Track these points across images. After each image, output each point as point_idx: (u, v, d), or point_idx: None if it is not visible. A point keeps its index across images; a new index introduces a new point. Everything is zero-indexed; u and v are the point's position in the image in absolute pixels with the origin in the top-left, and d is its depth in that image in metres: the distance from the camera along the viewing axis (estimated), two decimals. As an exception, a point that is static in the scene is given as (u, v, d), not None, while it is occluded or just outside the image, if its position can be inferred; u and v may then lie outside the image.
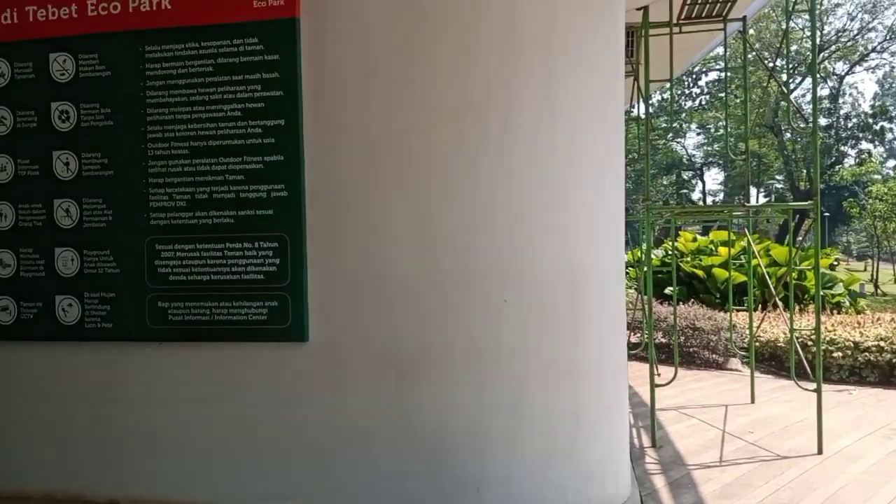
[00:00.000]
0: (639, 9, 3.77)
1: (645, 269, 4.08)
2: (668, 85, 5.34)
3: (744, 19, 4.70)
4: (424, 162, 2.70)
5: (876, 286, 18.96)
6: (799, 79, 24.76)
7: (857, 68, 29.07)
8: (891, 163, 30.89)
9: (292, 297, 2.76)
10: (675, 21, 4.25)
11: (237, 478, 2.84)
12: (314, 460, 2.78)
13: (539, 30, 2.66)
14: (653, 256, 6.86)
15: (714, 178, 35.90)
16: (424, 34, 2.69)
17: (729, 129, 9.64)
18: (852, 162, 28.31)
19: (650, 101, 4.42)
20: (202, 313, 2.83)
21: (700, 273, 9.43)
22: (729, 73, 7.04)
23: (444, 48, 2.68)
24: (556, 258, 2.70)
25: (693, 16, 4.40)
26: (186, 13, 2.80)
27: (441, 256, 2.68)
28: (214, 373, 2.86)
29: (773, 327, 6.49)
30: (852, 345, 5.67)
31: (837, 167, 27.39)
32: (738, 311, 6.49)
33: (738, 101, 14.36)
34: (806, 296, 8.50)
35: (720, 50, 6.37)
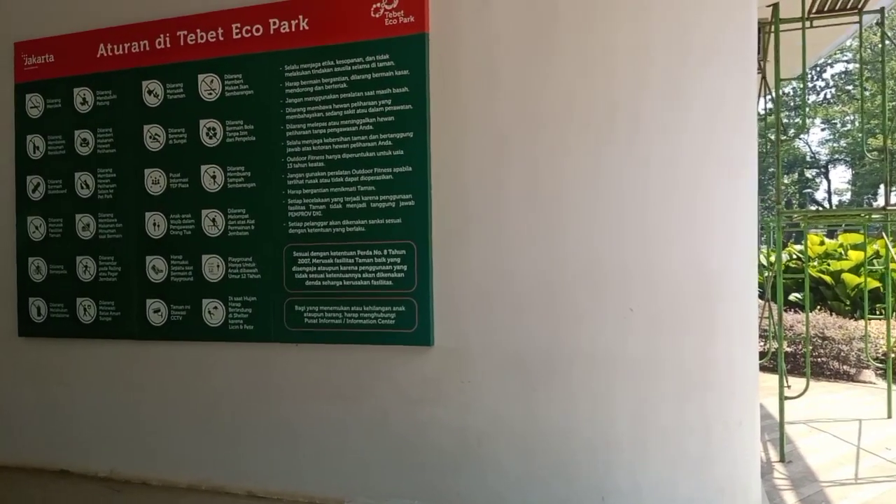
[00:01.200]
0: (769, 5, 3.67)
1: (775, 275, 3.95)
2: (791, 80, 5.13)
3: (882, 11, 4.45)
4: (551, 170, 2.78)
5: None
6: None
7: None
8: None
9: (419, 302, 2.90)
10: (806, 15, 4.09)
11: (366, 477, 3.02)
12: (440, 463, 2.91)
13: (670, 32, 2.68)
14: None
15: (840, 176, 33.63)
16: (552, 44, 2.77)
17: (860, 125, 9.05)
18: None
19: (773, 97, 4.29)
20: (335, 317, 3.02)
21: (828, 279, 8.93)
22: (860, 65, 6.65)
23: (572, 56, 2.75)
24: (685, 265, 2.70)
25: (826, 9, 4.22)
26: (323, 33, 3.01)
27: (567, 263, 2.75)
28: (346, 374, 3.05)
29: (915, 339, 6.07)
30: None
31: None
32: (872, 319, 6.11)
33: (868, 93, 13.44)
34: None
35: (848, 42, 6.04)
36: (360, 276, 3.01)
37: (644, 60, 2.71)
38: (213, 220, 3.22)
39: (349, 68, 3.00)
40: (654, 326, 2.71)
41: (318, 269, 3.07)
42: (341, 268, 3.05)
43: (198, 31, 3.23)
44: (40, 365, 3.63)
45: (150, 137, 3.33)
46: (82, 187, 3.48)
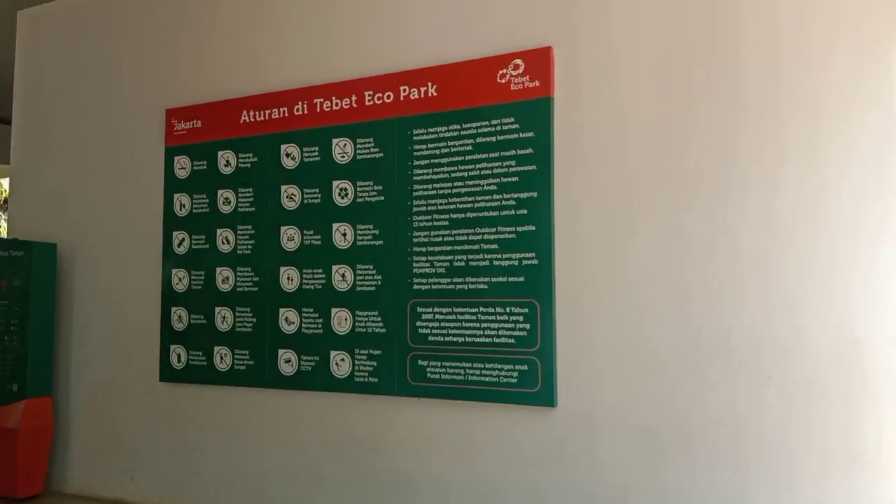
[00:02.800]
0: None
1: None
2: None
3: None
4: (681, 235, 2.80)
5: None
6: None
7: None
8: None
9: (542, 361, 2.95)
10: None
11: (486, 535, 3.04)
12: (563, 526, 2.90)
13: (805, 91, 2.65)
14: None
15: None
16: (681, 109, 2.83)
17: None
18: None
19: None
20: (457, 372, 3.12)
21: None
22: None
23: (701, 120, 2.80)
24: (827, 332, 2.62)
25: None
26: (450, 99, 3.20)
27: (701, 330, 2.74)
28: (467, 430, 3.12)
29: None
30: None
31: None
32: None
33: None
34: None
35: None
36: (482, 332, 3.10)
37: (780, 126, 2.69)
38: (343, 276, 3.43)
39: (475, 131, 3.16)
40: (793, 398, 2.63)
41: (441, 324, 3.19)
42: (464, 324, 3.15)
43: (333, 98, 3.51)
44: (178, 409, 3.93)
45: (287, 197, 3.61)
46: (223, 243, 3.80)
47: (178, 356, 3.93)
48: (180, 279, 3.96)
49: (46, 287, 4.27)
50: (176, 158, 4.03)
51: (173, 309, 3.97)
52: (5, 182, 17.28)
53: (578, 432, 2.95)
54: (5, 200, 18.09)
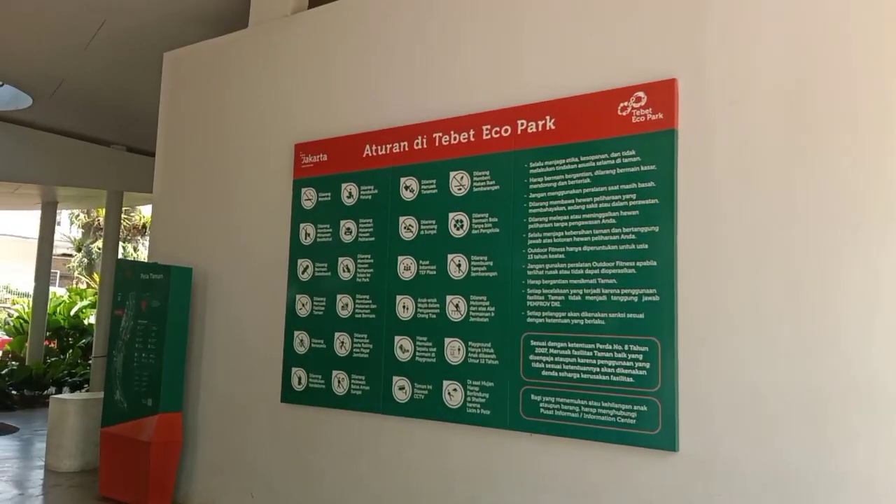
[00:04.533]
0: None
1: None
2: None
3: None
4: (817, 272, 2.67)
5: None
6: None
7: None
8: None
9: (662, 402, 2.86)
10: None
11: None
12: (684, 578, 2.76)
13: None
14: None
15: None
16: (816, 139, 2.69)
17: None
18: None
19: None
20: (572, 410, 3.07)
21: None
22: None
23: (828, 154, 2.64)
24: None
25: None
26: (568, 132, 3.22)
27: (837, 375, 2.58)
28: (582, 470, 3.06)
29: None
30: None
31: None
32: None
33: None
34: None
35: None
36: (598, 370, 3.04)
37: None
38: (457, 306, 3.48)
39: (593, 164, 3.15)
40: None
41: (556, 359, 3.16)
42: (579, 360, 3.11)
43: (451, 132, 3.61)
44: (297, 430, 4.10)
45: (405, 228, 3.73)
46: (344, 271, 3.96)
47: (299, 378, 4.11)
48: (303, 304, 4.16)
49: (181, 308, 4.61)
50: (303, 190, 4.27)
51: (296, 333, 4.17)
52: (145, 209, 18.88)
53: (700, 480, 2.82)
54: (144, 226, 19.75)
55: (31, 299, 11.83)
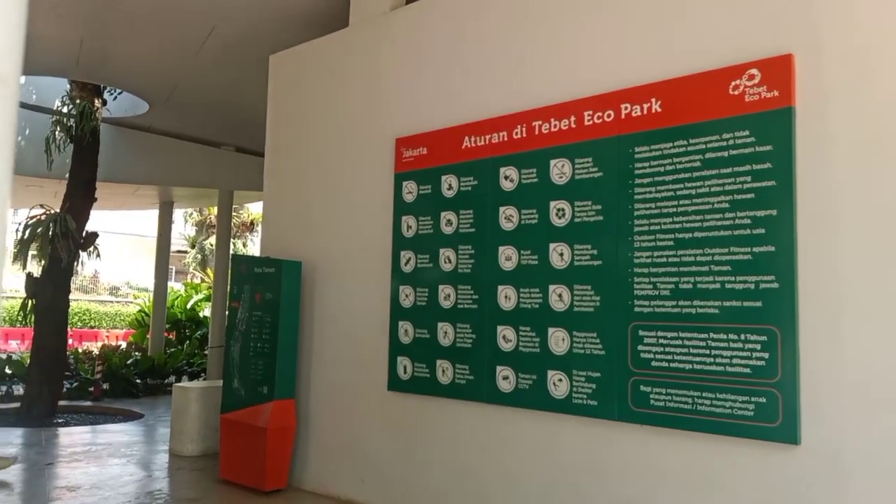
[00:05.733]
0: None
1: None
2: None
3: None
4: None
5: None
6: None
7: None
8: None
9: (783, 394, 2.74)
10: None
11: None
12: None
13: None
14: None
15: None
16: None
17: None
18: None
19: None
20: (684, 401, 2.99)
21: None
22: None
23: None
24: None
25: None
26: (675, 114, 3.11)
27: None
28: (696, 463, 2.97)
29: None
30: None
31: None
32: None
33: None
34: None
35: None
36: (712, 360, 2.94)
37: None
38: (560, 296, 3.45)
39: (703, 147, 3.04)
40: None
41: (666, 349, 3.08)
42: (691, 350, 3.02)
43: (552, 120, 3.58)
44: (403, 418, 4.20)
45: (505, 218, 3.73)
46: (445, 262, 4.01)
47: (405, 367, 4.20)
48: (406, 295, 4.25)
49: (292, 300, 4.82)
50: (404, 183, 4.36)
51: (400, 323, 4.27)
52: (252, 207, 19.83)
53: (823, 474, 2.68)
54: (252, 223, 20.76)
55: (151, 294, 12.70)
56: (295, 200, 5.24)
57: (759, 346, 2.84)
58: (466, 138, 4.03)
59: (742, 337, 2.89)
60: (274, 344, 4.75)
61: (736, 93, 2.98)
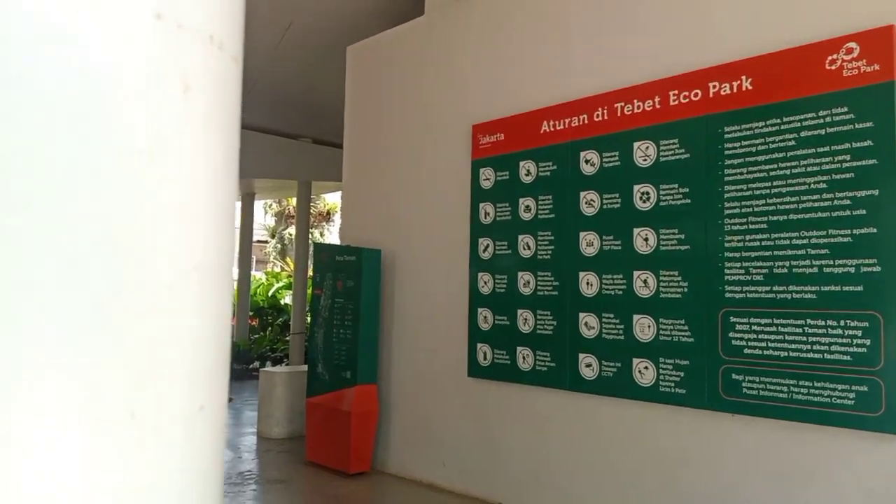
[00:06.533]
0: None
1: None
2: None
3: None
4: None
5: None
6: None
7: None
8: None
9: (885, 382, 2.64)
10: None
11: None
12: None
13: None
14: None
15: None
16: None
17: None
18: None
19: None
20: (779, 390, 2.90)
21: None
22: None
23: None
24: None
25: None
26: (767, 92, 3.00)
27: None
28: (793, 453, 2.89)
29: None
30: None
31: None
32: None
33: None
34: None
35: None
36: (809, 347, 2.84)
37: None
38: (645, 282, 3.40)
39: (798, 125, 2.92)
40: None
41: (759, 336, 2.99)
42: (786, 337, 2.92)
43: (635, 101, 3.51)
44: (484, 404, 4.24)
45: (586, 203, 3.69)
46: (524, 248, 4.01)
47: (484, 354, 4.24)
48: (485, 282, 4.27)
49: (373, 287, 4.93)
50: (481, 170, 4.37)
51: (479, 310, 4.30)
52: (329, 197, 20.30)
53: (938, 469, 2.54)
54: (328, 212, 21.25)
55: (235, 282, 13.21)
56: (373, 189, 5.34)
57: (860, 333, 2.72)
58: (545, 122, 4.00)
59: (842, 323, 2.77)
60: (356, 330, 4.87)
61: (833, 67, 2.84)
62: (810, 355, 2.85)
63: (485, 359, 4.24)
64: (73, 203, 0.42)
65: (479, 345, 4.30)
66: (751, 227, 3.06)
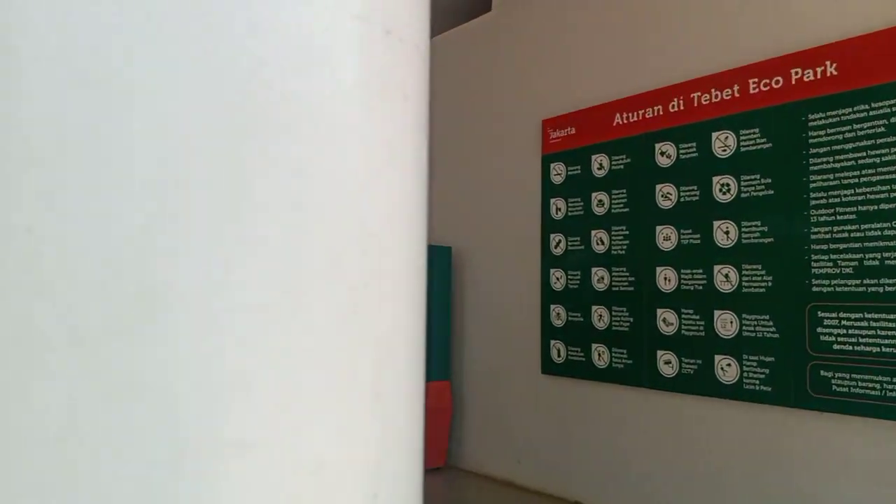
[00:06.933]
0: None
1: None
2: None
3: None
4: None
5: None
6: None
7: None
8: None
9: None
10: None
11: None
12: None
13: None
14: None
15: None
16: None
17: None
18: None
19: None
20: (872, 387, 2.79)
21: None
22: None
23: None
24: None
25: None
26: (855, 77, 2.88)
27: None
28: (886, 454, 2.76)
29: None
30: None
31: None
32: None
33: None
34: None
35: None
36: (905, 343, 2.72)
37: None
38: (727, 276, 3.33)
39: (888, 110, 2.80)
40: None
41: (849, 332, 2.89)
42: (878, 332, 2.80)
43: (712, 90, 3.43)
44: (558, 401, 4.23)
45: (662, 196, 3.64)
46: (598, 244, 3.98)
47: (558, 351, 4.23)
48: (558, 279, 4.26)
49: (443, 284, 4.99)
50: (552, 165, 4.36)
51: (552, 306, 4.29)
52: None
53: None
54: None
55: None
56: (443, 186, 5.39)
57: (962, 328, 2.60)
58: (617, 115, 3.95)
59: (941, 318, 2.65)
60: (429, 327, 4.94)
61: (929, 47, 2.71)
62: (907, 351, 2.73)
63: (559, 356, 4.23)
64: (337, 203, 0.50)
65: (552, 341, 4.29)
66: (839, 217, 2.95)
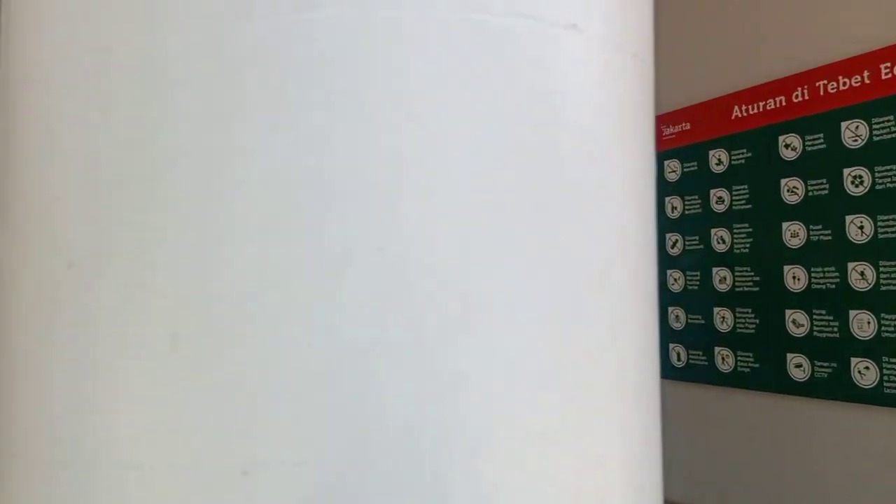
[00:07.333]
0: None
1: None
2: None
3: None
4: None
5: None
6: None
7: None
8: None
9: None
10: None
11: None
12: None
13: None
14: None
15: None
16: None
17: None
18: None
19: None
20: None
21: None
22: None
23: None
24: None
25: None
26: None
27: None
28: None
29: None
30: None
31: None
32: None
33: None
34: None
35: None
36: None
37: None
38: (862, 274, 3.15)
39: None
40: None
41: None
42: None
43: (839, 77, 3.27)
44: (680, 406, 4.14)
45: (788, 191, 3.49)
46: (718, 242, 3.86)
47: (678, 355, 4.13)
48: (675, 280, 4.17)
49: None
50: (666, 163, 4.26)
51: (670, 308, 4.20)
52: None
53: None
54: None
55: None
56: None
57: None
58: (736, 107, 3.82)
59: None
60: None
61: None
62: None
63: (679, 359, 4.13)
64: (605, 220, 0.57)
65: (671, 345, 4.19)
66: None
